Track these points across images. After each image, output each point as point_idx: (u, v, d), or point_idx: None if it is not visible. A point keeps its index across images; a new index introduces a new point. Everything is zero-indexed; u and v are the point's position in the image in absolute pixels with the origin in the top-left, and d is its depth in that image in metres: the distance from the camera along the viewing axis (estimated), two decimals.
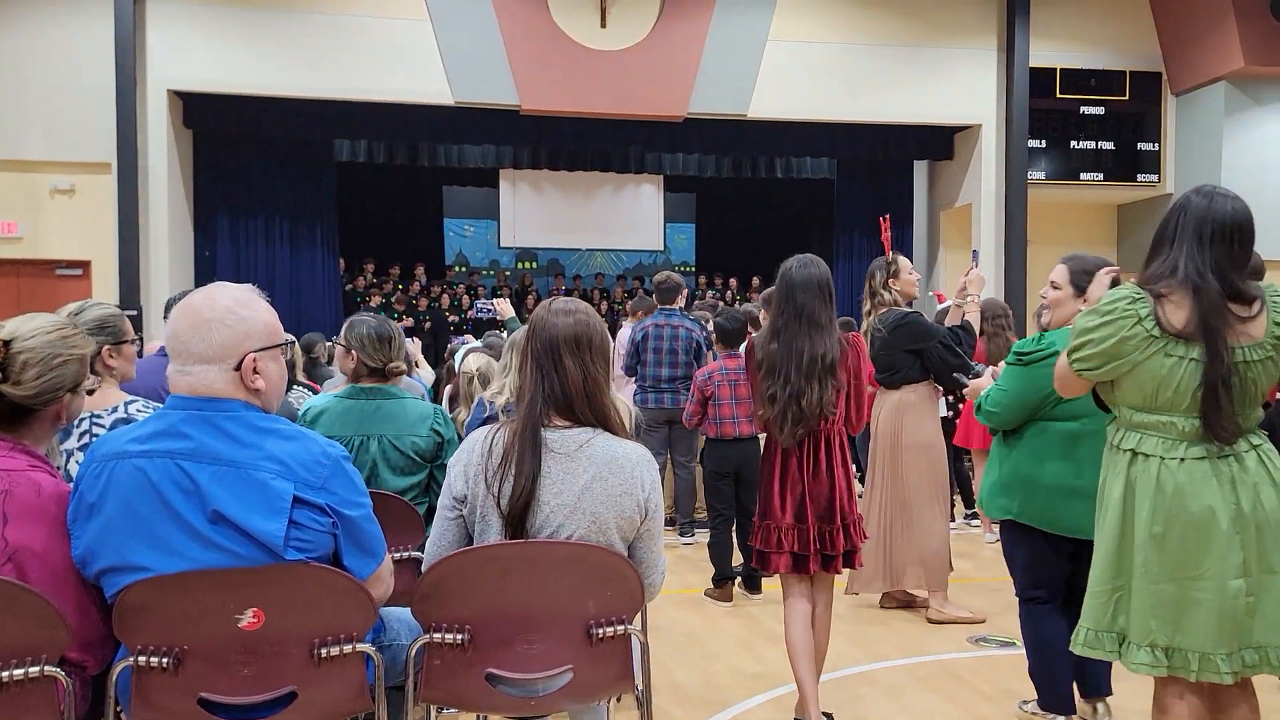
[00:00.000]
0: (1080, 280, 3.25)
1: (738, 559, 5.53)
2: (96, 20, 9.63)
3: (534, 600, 2.16)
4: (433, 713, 2.29)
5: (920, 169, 12.51)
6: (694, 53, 10.45)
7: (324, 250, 11.81)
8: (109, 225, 9.76)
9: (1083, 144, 11.14)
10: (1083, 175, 11.14)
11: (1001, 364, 3.49)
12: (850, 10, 10.80)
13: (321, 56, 9.90)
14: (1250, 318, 2.37)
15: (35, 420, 2.08)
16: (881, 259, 4.86)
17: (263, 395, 2.03)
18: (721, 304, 12.81)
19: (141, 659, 1.93)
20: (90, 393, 2.43)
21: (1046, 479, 3.30)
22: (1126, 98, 11.13)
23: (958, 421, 6.77)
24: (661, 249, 16.45)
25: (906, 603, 5.12)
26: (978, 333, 4.79)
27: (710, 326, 6.31)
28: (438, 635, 2.12)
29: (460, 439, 2.89)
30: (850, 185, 12.99)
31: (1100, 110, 11.12)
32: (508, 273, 16.18)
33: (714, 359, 5.98)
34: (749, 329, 6.14)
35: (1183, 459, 2.36)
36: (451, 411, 4.62)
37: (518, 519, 2.16)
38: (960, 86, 10.97)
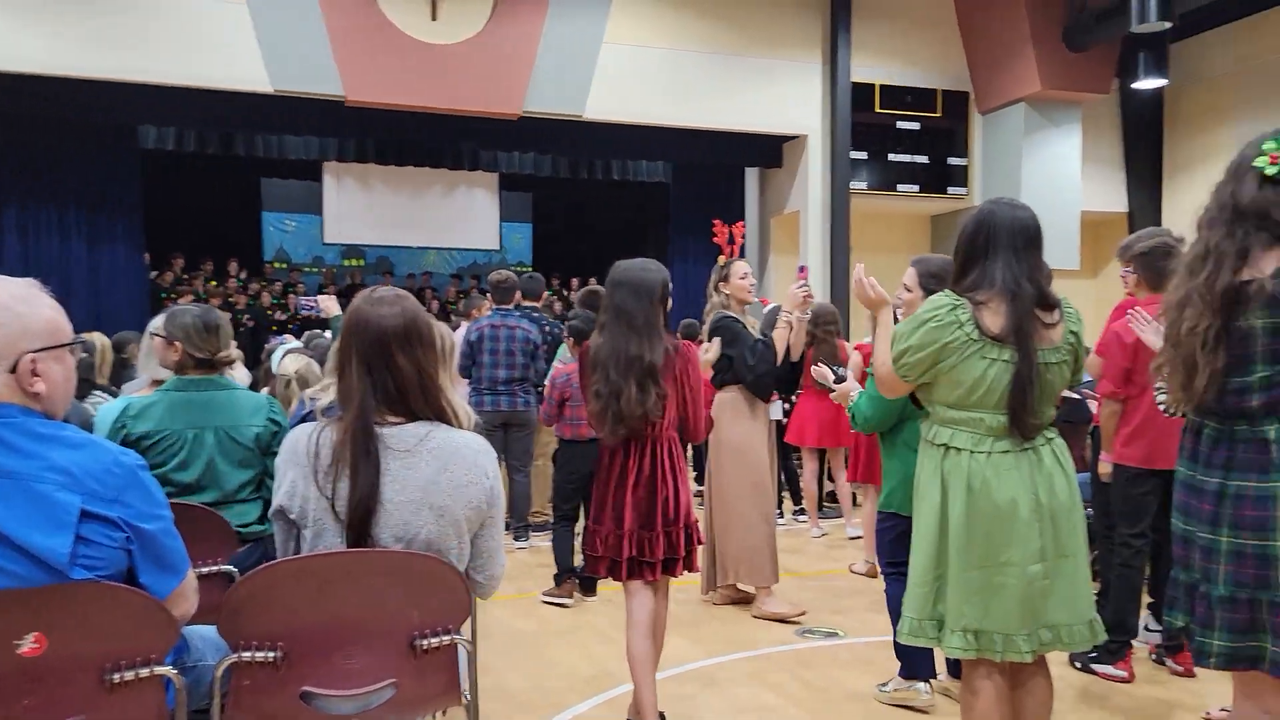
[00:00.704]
0: (928, 283, 3.39)
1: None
2: None
3: (353, 613, 2.05)
4: None
5: (751, 175, 12.85)
6: (528, 51, 10.35)
7: (127, 244, 10.96)
8: None
9: (900, 157, 11.72)
10: (900, 186, 11.73)
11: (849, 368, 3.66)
12: (683, 18, 10.97)
13: (125, 36, 9.20)
14: (1053, 324, 2.55)
15: None
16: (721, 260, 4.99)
17: (45, 399, 1.84)
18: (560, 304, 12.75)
19: None
20: None
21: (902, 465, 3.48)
22: (939, 114, 11.79)
23: (787, 421, 6.98)
24: (497, 248, 16.24)
25: (737, 599, 5.22)
26: (805, 339, 4.96)
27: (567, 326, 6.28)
28: (247, 654, 1.98)
29: None
30: (685, 189, 13.20)
31: (915, 125, 11.74)
32: (333, 270, 15.58)
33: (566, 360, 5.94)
34: None
35: (989, 453, 2.52)
36: None
37: (360, 525, 2.04)
38: (787, 97, 11.34)
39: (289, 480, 2.09)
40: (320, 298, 5.18)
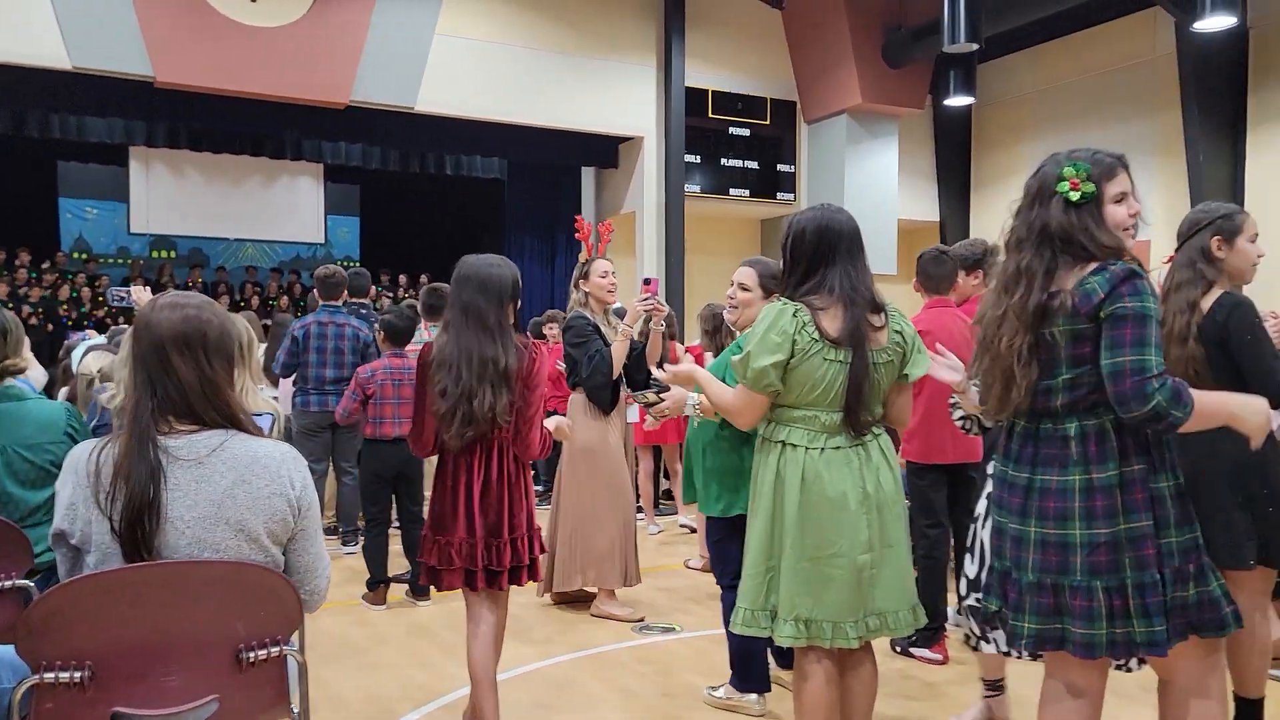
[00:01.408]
0: (768, 284, 3.45)
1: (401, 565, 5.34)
2: None
3: (172, 627, 1.90)
4: None
5: (588, 175, 12.87)
6: (356, 38, 9.99)
7: None
8: None
9: (732, 162, 12.03)
10: (732, 191, 12.03)
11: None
12: (519, 13, 10.88)
13: None
14: (880, 327, 2.69)
15: None
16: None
17: None
18: (390, 301, 12.42)
19: None
20: None
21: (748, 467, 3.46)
22: (768, 122, 12.17)
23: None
24: (322, 242, 15.63)
25: (575, 598, 5.19)
26: (659, 347, 4.90)
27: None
28: (49, 675, 1.81)
29: None
30: (520, 187, 13.08)
31: (746, 132, 12.08)
32: (140, 261, 14.57)
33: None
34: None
35: (823, 449, 2.62)
36: None
37: (133, 542, 1.87)
38: (623, 99, 11.43)
39: (67, 501, 1.92)
40: (133, 289, 4.81)
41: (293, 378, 6.30)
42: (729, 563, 3.60)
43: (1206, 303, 2.91)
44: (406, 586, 5.34)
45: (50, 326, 11.72)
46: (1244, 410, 2.22)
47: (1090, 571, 2.17)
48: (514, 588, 3.30)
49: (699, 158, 11.73)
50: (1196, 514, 2.27)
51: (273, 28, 9.60)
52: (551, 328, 7.83)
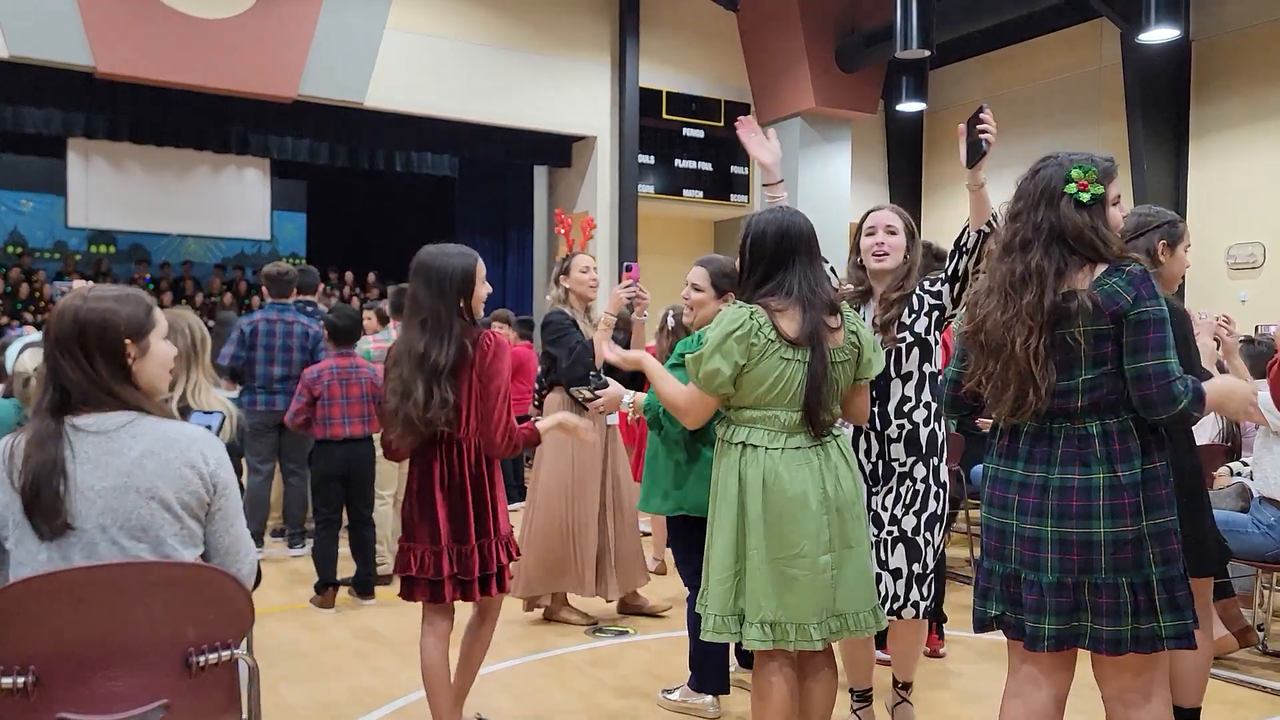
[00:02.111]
0: (720, 282, 3.42)
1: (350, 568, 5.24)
2: None
3: (118, 631, 1.85)
4: None
5: (540, 174, 12.80)
6: (305, 31, 9.82)
7: None
8: None
9: (686, 163, 12.05)
10: (685, 192, 12.05)
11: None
12: (471, 8, 10.78)
13: None
14: (836, 327, 2.69)
15: None
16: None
17: None
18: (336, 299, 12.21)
19: None
20: None
21: (702, 467, 3.41)
22: (721, 124, 12.21)
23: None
24: (268, 238, 15.33)
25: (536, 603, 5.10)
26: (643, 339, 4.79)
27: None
28: None
29: None
30: (471, 185, 12.96)
31: (700, 133, 12.11)
32: (78, 256, 14.19)
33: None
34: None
35: (783, 449, 2.61)
36: None
37: (39, 509, 1.87)
38: (577, 98, 11.38)
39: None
40: (76, 283, 4.66)
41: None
42: (687, 562, 3.59)
43: None
44: (351, 586, 5.27)
45: None
46: (1226, 398, 2.31)
47: (1116, 569, 2.18)
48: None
49: (653, 158, 11.73)
50: None
51: (219, 19, 9.40)
52: (502, 329, 7.75)
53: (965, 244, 3.04)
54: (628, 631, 4.75)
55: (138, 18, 9.03)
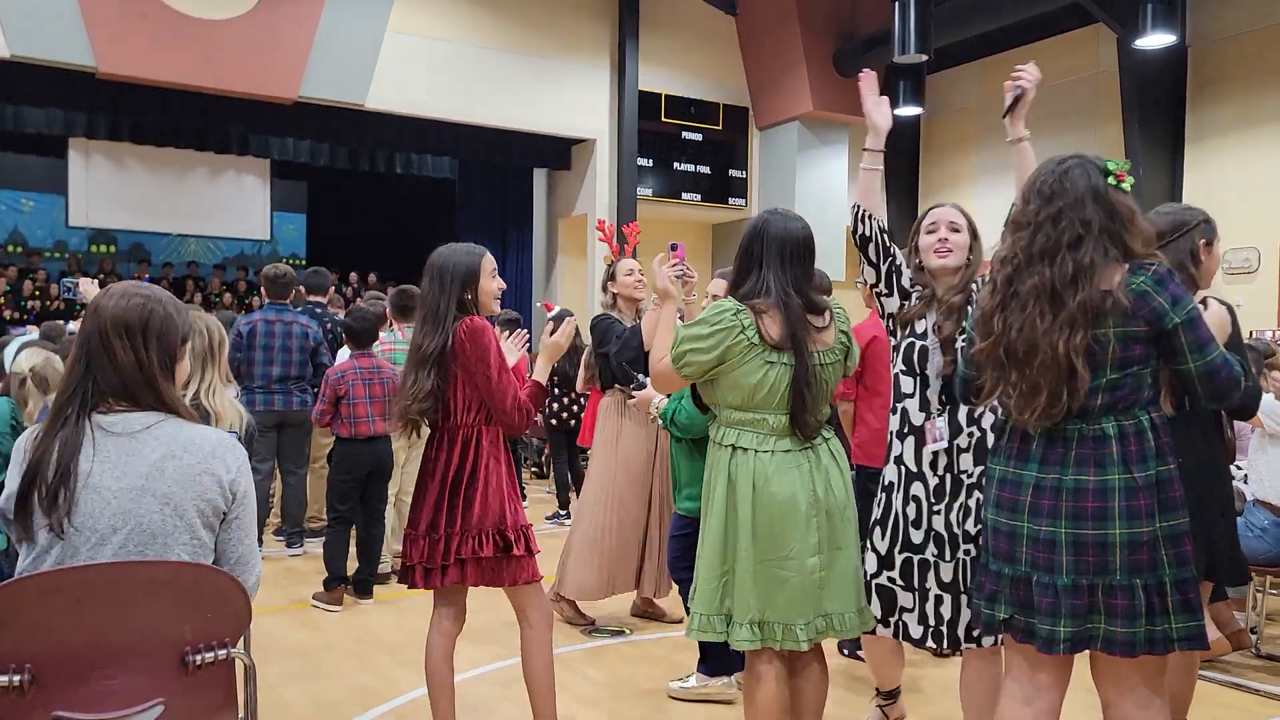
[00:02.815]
0: None
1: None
2: None
3: (116, 629, 1.87)
4: None
5: (540, 176, 12.82)
6: (306, 32, 9.85)
7: None
8: None
9: (684, 166, 12.08)
10: (684, 195, 12.08)
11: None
12: (471, 11, 10.81)
13: None
14: (824, 327, 2.70)
15: None
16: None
17: None
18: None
19: None
20: None
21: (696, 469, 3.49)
22: (720, 127, 12.25)
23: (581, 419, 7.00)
24: (268, 238, 15.35)
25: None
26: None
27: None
28: None
29: None
30: (471, 187, 12.98)
31: (699, 137, 12.14)
32: (79, 256, 14.20)
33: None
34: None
35: (772, 451, 2.63)
36: None
37: (28, 503, 1.88)
38: (577, 100, 11.41)
39: (9, 482, 1.95)
40: (83, 281, 4.68)
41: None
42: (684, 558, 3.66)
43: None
44: (351, 584, 5.30)
45: None
46: None
47: (1131, 570, 2.16)
48: (471, 589, 3.15)
49: (651, 161, 11.76)
50: None
51: (220, 20, 9.44)
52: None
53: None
54: (624, 631, 4.78)
55: (139, 18, 9.06)
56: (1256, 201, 9.69)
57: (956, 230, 2.95)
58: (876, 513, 2.96)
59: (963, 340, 2.43)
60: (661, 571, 4.67)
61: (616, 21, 11.52)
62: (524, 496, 7.23)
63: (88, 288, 4.48)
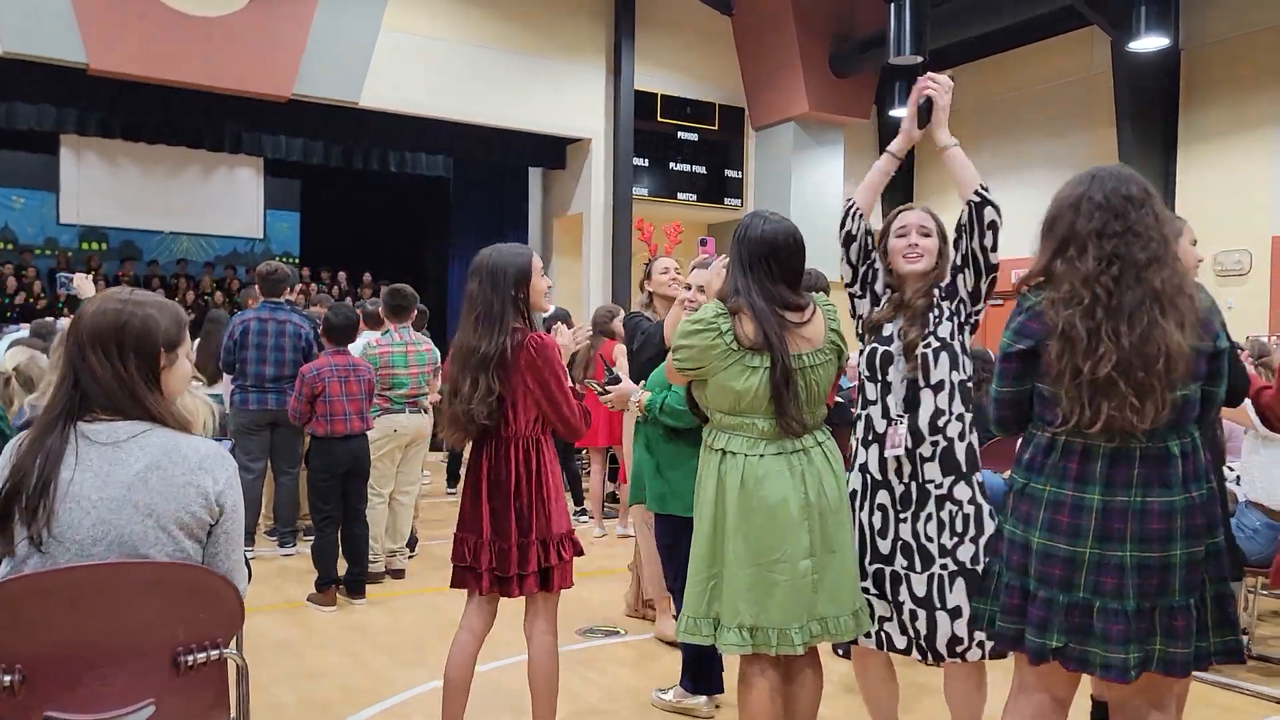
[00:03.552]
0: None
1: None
2: None
3: (108, 630, 1.85)
4: None
5: (535, 175, 12.81)
6: (300, 30, 9.82)
7: None
8: None
9: (679, 166, 12.07)
10: (680, 194, 12.08)
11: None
12: (467, 9, 10.79)
13: None
14: (804, 323, 2.66)
15: None
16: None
17: None
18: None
19: None
20: None
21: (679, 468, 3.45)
22: (716, 128, 12.24)
23: None
24: (261, 237, 15.29)
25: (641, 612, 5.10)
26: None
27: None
28: None
29: None
30: (466, 185, 12.95)
31: (695, 137, 12.13)
32: (69, 253, 14.12)
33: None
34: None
35: (762, 455, 2.61)
36: None
37: (8, 510, 1.84)
38: (573, 100, 11.40)
39: None
40: (78, 276, 4.63)
41: (231, 375, 6.17)
42: (673, 559, 3.64)
43: None
44: (343, 584, 5.28)
45: None
46: None
47: (1187, 590, 2.13)
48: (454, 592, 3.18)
49: (647, 161, 11.76)
50: None
51: (213, 17, 9.40)
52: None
53: (962, 222, 2.82)
54: (618, 631, 4.77)
55: (131, 15, 9.02)
56: (1248, 204, 9.72)
57: (927, 235, 2.95)
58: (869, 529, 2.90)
59: (1001, 363, 2.28)
60: None
61: (612, 21, 11.51)
62: None
63: (83, 284, 4.43)
